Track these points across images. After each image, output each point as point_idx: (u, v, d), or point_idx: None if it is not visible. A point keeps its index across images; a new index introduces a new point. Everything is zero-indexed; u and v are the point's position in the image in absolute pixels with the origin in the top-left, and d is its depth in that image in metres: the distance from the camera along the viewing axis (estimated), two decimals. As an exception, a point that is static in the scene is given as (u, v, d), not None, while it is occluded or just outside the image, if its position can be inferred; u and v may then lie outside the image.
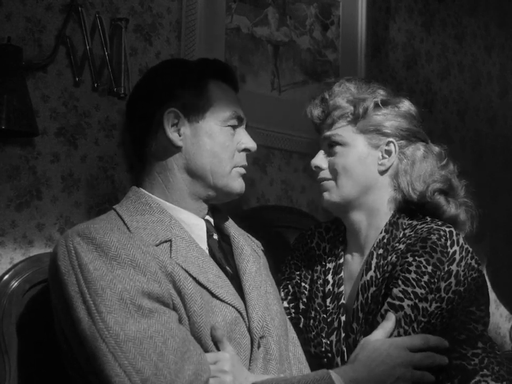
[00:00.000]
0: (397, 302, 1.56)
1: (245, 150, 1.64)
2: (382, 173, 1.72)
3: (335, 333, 1.70)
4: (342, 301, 1.72)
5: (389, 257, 1.65)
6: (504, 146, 3.41)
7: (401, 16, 2.98)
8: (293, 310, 1.82)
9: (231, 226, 1.69)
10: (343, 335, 1.68)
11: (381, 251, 1.68)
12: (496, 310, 3.21)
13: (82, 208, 1.97)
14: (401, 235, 1.68)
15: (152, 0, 2.17)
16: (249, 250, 1.65)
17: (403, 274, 1.58)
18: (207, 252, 1.58)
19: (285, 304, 1.82)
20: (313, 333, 1.73)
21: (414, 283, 1.56)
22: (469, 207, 1.74)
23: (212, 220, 1.65)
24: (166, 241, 1.50)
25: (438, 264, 1.57)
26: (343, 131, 1.72)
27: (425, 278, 1.56)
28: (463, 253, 1.60)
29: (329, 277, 1.76)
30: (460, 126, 3.22)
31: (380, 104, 1.72)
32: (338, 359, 1.68)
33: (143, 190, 1.60)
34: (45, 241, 1.89)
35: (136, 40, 2.13)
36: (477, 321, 1.66)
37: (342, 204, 1.72)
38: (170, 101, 1.59)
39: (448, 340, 1.59)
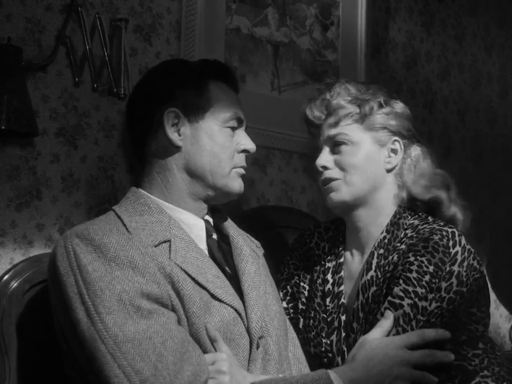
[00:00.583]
0: (397, 301, 1.57)
1: (244, 151, 1.64)
2: (388, 171, 1.73)
3: (335, 332, 1.70)
4: (342, 300, 1.72)
5: (390, 257, 1.66)
6: (504, 146, 3.41)
7: (401, 16, 2.98)
8: (292, 310, 1.82)
9: (230, 226, 1.69)
10: (343, 334, 1.68)
11: (381, 251, 1.68)
12: (496, 310, 3.21)
13: (82, 209, 1.97)
14: (402, 235, 1.68)
15: (152, 1, 2.17)
16: (248, 251, 1.65)
17: (404, 273, 1.58)
18: (206, 252, 1.58)
19: (284, 304, 1.82)
20: (313, 333, 1.73)
21: (415, 282, 1.56)
22: (463, 207, 1.75)
23: (211, 220, 1.65)
24: (165, 242, 1.50)
25: (439, 264, 1.57)
26: (349, 130, 1.72)
27: (427, 277, 1.56)
28: (465, 254, 1.60)
29: (329, 276, 1.76)
30: (460, 126, 3.22)
31: (383, 104, 1.73)
32: (339, 359, 1.67)
33: (142, 191, 1.60)
34: (45, 242, 1.89)
35: (136, 40, 2.13)
36: (478, 322, 1.66)
37: (350, 202, 1.71)
38: (171, 101, 1.59)
39: (450, 340, 1.59)
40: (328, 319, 1.72)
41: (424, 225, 1.66)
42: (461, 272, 1.59)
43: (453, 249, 1.59)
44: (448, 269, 1.58)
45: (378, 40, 2.87)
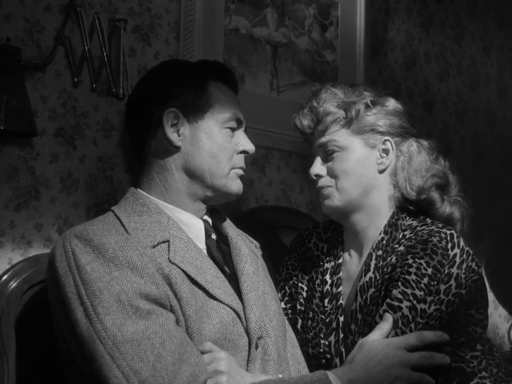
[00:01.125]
0: (396, 303, 1.56)
1: (243, 152, 1.64)
2: (381, 172, 1.72)
3: (333, 333, 1.69)
4: (341, 301, 1.72)
5: (389, 259, 1.65)
6: (503, 147, 3.41)
7: (400, 17, 2.99)
8: (290, 311, 1.82)
9: (229, 226, 1.69)
10: (341, 335, 1.68)
11: (380, 252, 1.67)
12: (495, 310, 3.21)
13: (81, 209, 1.97)
14: (400, 236, 1.68)
15: (150, 1, 2.17)
16: (247, 251, 1.65)
17: (403, 276, 1.58)
18: (205, 252, 1.58)
19: (282, 305, 1.82)
20: (311, 334, 1.73)
21: (414, 285, 1.56)
22: (462, 206, 1.74)
23: (210, 220, 1.65)
24: (163, 242, 1.50)
25: (438, 266, 1.57)
26: (338, 135, 1.71)
27: (425, 280, 1.56)
28: (464, 256, 1.60)
29: (327, 277, 1.76)
30: (459, 127, 3.23)
31: (370, 105, 1.72)
32: (337, 360, 1.67)
33: (141, 191, 1.60)
34: (44, 242, 1.89)
35: (134, 40, 2.13)
36: (476, 324, 1.66)
37: (343, 208, 1.72)
38: (170, 101, 1.59)
39: (449, 343, 1.59)
40: (327, 320, 1.72)
41: (423, 227, 1.65)
42: (459, 275, 1.59)
43: (452, 251, 1.59)
44: (446, 271, 1.57)
45: (377, 40, 2.87)
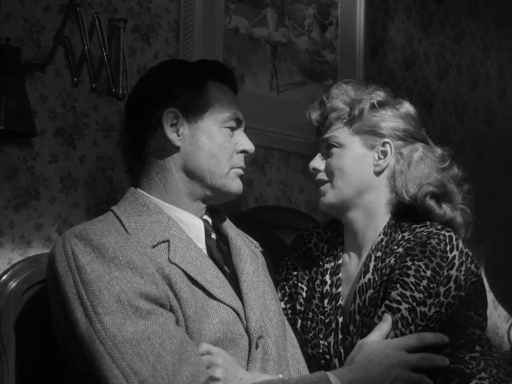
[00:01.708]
0: (395, 305, 1.56)
1: (243, 151, 1.65)
2: (378, 173, 1.72)
3: (332, 334, 1.69)
4: (340, 302, 1.71)
5: (387, 260, 1.65)
6: (503, 147, 3.41)
7: (399, 17, 2.99)
8: (289, 311, 1.82)
9: (229, 226, 1.69)
10: (340, 336, 1.68)
11: (379, 253, 1.67)
12: (494, 310, 3.21)
13: (81, 209, 1.96)
14: (399, 238, 1.67)
15: (150, 1, 2.17)
16: (247, 251, 1.65)
17: (402, 277, 1.58)
18: (205, 251, 1.58)
19: (282, 305, 1.82)
20: (310, 334, 1.73)
21: (413, 287, 1.56)
22: (465, 213, 1.73)
23: (209, 220, 1.65)
24: (163, 242, 1.50)
25: (437, 268, 1.56)
26: (339, 132, 1.72)
27: (424, 282, 1.56)
28: (463, 258, 1.60)
29: (327, 278, 1.76)
30: (459, 127, 3.23)
31: (376, 105, 1.71)
32: (336, 361, 1.67)
33: (141, 191, 1.60)
34: (43, 242, 1.89)
35: (134, 40, 2.13)
36: (475, 325, 1.66)
37: (337, 204, 1.73)
38: (170, 101, 1.59)
39: (448, 345, 1.58)
40: (326, 321, 1.71)
41: (422, 229, 1.64)
42: (459, 277, 1.58)
43: (451, 253, 1.58)
44: (446, 273, 1.57)
45: (376, 40, 2.87)
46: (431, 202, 1.68)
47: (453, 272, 1.58)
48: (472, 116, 3.29)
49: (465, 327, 1.64)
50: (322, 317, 1.72)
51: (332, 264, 1.77)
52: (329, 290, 1.74)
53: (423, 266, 1.57)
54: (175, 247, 1.50)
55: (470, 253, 1.62)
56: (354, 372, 1.48)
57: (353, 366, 1.51)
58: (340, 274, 1.75)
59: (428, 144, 1.76)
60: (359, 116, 1.71)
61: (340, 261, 1.77)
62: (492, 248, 3.20)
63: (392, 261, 1.64)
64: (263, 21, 2.46)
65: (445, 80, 3.18)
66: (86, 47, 1.98)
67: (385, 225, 1.70)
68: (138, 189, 1.62)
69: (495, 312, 3.20)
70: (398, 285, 1.57)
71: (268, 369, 1.51)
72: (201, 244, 1.58)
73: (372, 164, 1.71)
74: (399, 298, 1.56)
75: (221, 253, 1.62)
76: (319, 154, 1.76)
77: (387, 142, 1.71)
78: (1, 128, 1.75)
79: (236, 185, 1.63)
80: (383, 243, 1.68)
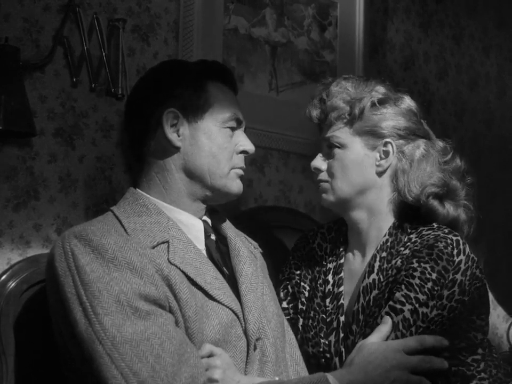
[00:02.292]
0: (398, 306, 1.56)
1: (243, 152, 1.64)
2: (380, 174, 1.71)
3: (334, 333, 1.69)
4: (342, 301, 1.71)
5: (393, 261, 1.64)
6: (502, 147, 3.41)
7: (399, 17, 2.98)
8: (292, 311, 1.82)
9: (228, 227, 1.69)
10: (342, 335, 1.68)
11: (384, 254, 1.67)
12: (494, 310, 3.21)
13: (80, 209, 1.96)
14: (406, 239, 1.66)
15: (149, 1, 2.17)
16: (246, 252, 1.64)
17: (407, 279, 1.57)
18: (204, 252, 1.58)
19: (284, 304, 1.82)
20: (311, 333, 1.73)
21: (417, 289, 1.55)
22: (468, 209, 1.73)
23: (209, 221, 1.65)
24: (163, 243, 1.50)
25: (443, 272, 1.56)
26: (340, 133, 1.71)
27: (429, 284, 1.55)
28: (469, 263, 1.59)
29: (330, 277, 1.76)
30: (458, 127, 3.23)
31: (377, 103, 1.70)
32: (337, 360, 1.67)
33: (141, 191, 1.60)
34: (42, 242, 1.89)
35: (133, 40, 2.13)
36: (477, 330, 1.66)
37: (338, 203, 1.72)
38: (170, 101, 1.59)
39: (448, 348, 1.58)
40: (327, 320, 1.71)
41: (429, 231, 1.64)
42: (463, 281, 1.58)
43: (457, 257, 1.58)
44: (451, 277, 1.57)
45: (376, 40, 2.87)
46: (434, 203, 1.67)
47: (458, 277, 1.57)
48: (471, 116, 3.29)
49: (467, 331, 1.64)
50: (324, 316, 1.72)
51: (334, 263, 1.77)
52: (331, 289, 1.74)
53: (429, 269, 1.56)
54: (174, 248, 1.50)
55: (476, 258, 1.62)
56: (353, 373, 1.48)
57: (352, 367, 1.50)
58: (342, 274, 1.75)
59: (429, 139, 1.75)
60: (359, 116, 1.69)
61: (342, 260, 1.76)
62: (491, 248, 3.20)
63: (398, 262, 1.63)
64: (262, 21, 2.46)
65: (444, 80, 3.18)
66: (85, 47, 1.98)
67: (390, 226, 1.69)
68: (137, 189, 1.61)
69: (494, 312, 3.20)
70: (403, 286, 1.57)
71: (266, 371, 1.51)
72: (201, 245, 1.58)
73: (374, 164, 1.70)
74: (403, 299, 1.56)
75: (220, 254, 1.62)
76: (320, 154, 1.75)
77: (389, 142, 1.69)
78: (1, 128, 1.75)
79: (236, 186, 1.63)
80: (388, 243, 1.67)
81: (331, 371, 1.55)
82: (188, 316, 1.43)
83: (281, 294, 1.84)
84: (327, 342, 1.69)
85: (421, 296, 1.55)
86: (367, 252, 1.73)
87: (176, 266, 1.47)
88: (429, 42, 3.11)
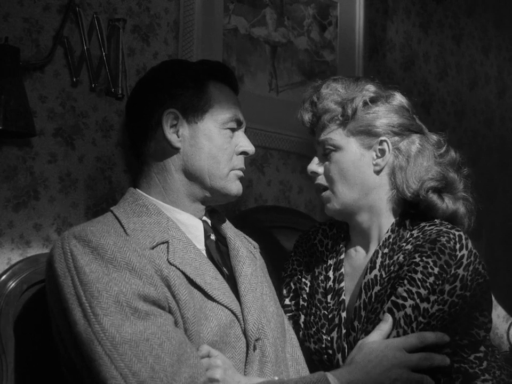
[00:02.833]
0: (400, 301, 1.56)
1: (243, 153, 1.64)
2: (378, 172, 1.71)
3: (335, 329, 1.69)
4: (343, 297, 1.71)
5: (396, 257, 1.64)
6: (501, 147, 3.41)
7: (398, 17, 2.99)
8: (294, 307, 1.82)
9: (228, 227, 1.69)
10: (344, 331, 1.67)
11: (386, 250, 1.67)
12: (494, 310, 3.20)
13: (80, 209, 1.96)
14: (408, 235, 1.66)
15: (149, 1, 2.17)
16: (245, 252, 1.64)
17: (409, 274, 1.57)
18: (204, 252, 1.58)
19: (287, 301, 1.82)
20: (313, 329, 1.73)
21: (419, 283, 1.55)
22: (467, 201, 1.72)
23: (209, 221, 1.65)
24: (163, 243, 1.50)
25: (445, 266, 1.56)
26: (334, 135, 1.71)
27: (431, 279, 1.55)
28: (471, 258, 1.59)
29: (330, 273, 1.76)
30: (457, 127, 3.23)
31: (369, 102, 1.69)
32: (339, 356, 1.66)
33: (140, 191, 1.60)
34: (42, 242, 1.89)
35: (133, 40, 2.13)
36: (480, 327, 1.66)
37: (344, 210, 1.72)
38: (170, 101, 1.59)
39: (450, 344, 1.58)
40: (329, 316, 1.71)
41: (431, 227, 1.64)
42: (465, 276, 1.58)
43: (460, 252, 1.58)
44: (453, 271, 1.57)
45: (376, 40, 2.87)
46: (434, 197, 1.67)
47: (460, 271, 1.57)
48: (471, 116, 3.30)
49: (469, 327, 1.64)
50: (326, 312, 1.72)
51: (335, 259, 1.77)
52: (332, 285, 1.74)
53: (431, 263, 1.56)
54: (174, 248, 1.50)
55: (478, 254, 1.62)
56: (353, 372, 1.48)
57: (352, 366, 1.50)
58: (342, 270, 1.74)
59: (423, 133, 1.74)
60: (352, 116, 1.69)
61: (342, 256, 1.76)
62: (490, 247, 3.20)
63: (400, 257, 1.63)
64: (262, 21, 2.46)
65: (444, 80, 3.18)
66: (85, 47, 1.98)
67: (392, 223, 1.69)
68: (137, 189, 1.62)
69: (494, 312, 3.19)
70: (405, 281, 1.57)
71: (266, 371, 1.51)
72: (200, 245, 1.58)
73: (371, 163, 1.70)
74: (405, 294, 1.56)
75: (220, 254, 1.62)
76: (315, 157, 1.74)
77: (384, 140, 1.69)
78: (1, 128, 1.75)
79: (235, 187, 1.63)
80: (391, 240, 1.67)
81: (334, 367, 1.56)
82: (187, 317, 1.43)
83: (284, 291, 1.84)
84: (329, 338, 1.69)
85: (422, 291, 1.55)
86: (370, 246, 1.73)
87: (175, 266, 1.47)
88: (428, 43, 3.12)
